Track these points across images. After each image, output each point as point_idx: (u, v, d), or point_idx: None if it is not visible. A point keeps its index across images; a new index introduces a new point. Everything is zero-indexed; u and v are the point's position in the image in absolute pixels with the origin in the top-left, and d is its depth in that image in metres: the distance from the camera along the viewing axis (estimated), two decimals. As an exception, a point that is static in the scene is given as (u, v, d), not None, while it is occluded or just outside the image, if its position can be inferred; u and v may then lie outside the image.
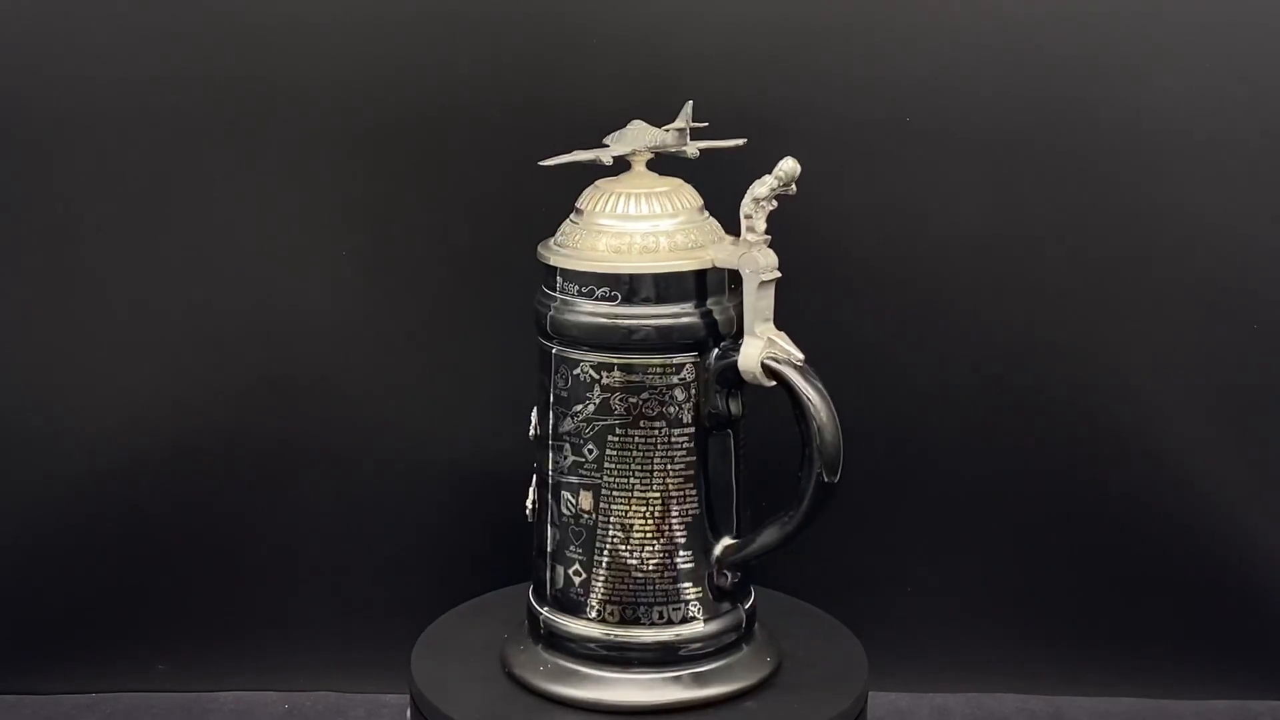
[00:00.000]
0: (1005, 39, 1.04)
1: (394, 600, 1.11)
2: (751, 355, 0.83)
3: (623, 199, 0.86)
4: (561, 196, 0.90)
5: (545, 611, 0.88)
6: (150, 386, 1.09)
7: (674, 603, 0.86)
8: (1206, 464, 1.09)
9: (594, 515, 0.86)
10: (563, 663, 0.88)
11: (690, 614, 0.87)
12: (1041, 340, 1.08)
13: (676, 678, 0.87)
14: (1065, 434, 1.09)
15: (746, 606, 0.89)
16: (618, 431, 0.85)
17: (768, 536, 0.86)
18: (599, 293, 0.84)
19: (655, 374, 0.84)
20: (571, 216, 0.88)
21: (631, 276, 0.84)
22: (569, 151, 0.88)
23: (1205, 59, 1.04)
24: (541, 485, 0.88)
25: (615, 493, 0.85)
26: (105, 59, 1.05)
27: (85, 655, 1.13)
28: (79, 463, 1.10)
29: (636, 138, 0.88)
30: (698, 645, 0.87)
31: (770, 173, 0.83)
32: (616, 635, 0.86)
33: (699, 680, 0.87)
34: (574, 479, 0.86)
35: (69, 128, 1.06)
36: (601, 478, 0.85)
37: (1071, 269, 1.07)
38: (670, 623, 0.87)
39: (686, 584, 0.87)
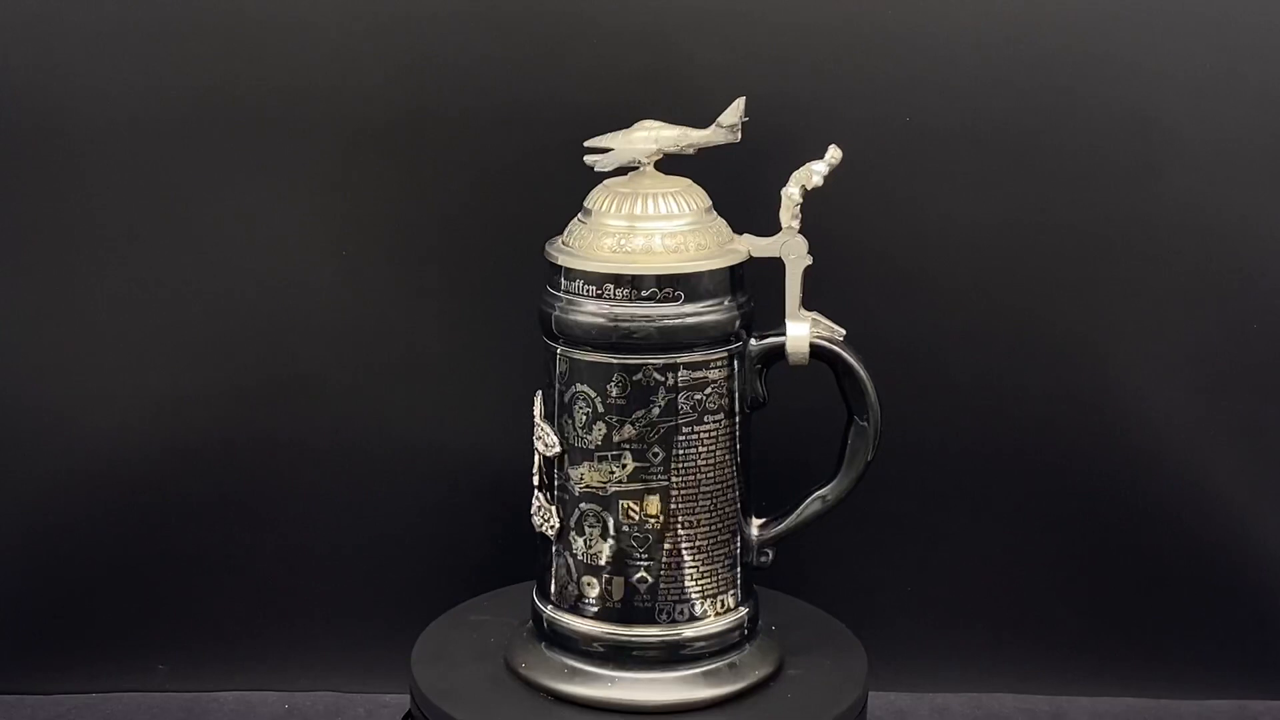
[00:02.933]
0: (1005, 38, 1.04)
1: (394, 600, 1.11)
2: (800, 336, 0.86)
3: (660, 199, 0.86)
4: (562, 196, 0.90)
5: (601, 628, 0.87)
6: (150, 386, 1.09)
7: (728, 592, 0.87)
8: (1208, 464, 1.09)
9: (661, 518, 0.85)
10: (617, 673, 0.86)
11: (739, 600, 0.88)
12: (1042, 339, 1.08)
13: (689, 675, 0.87)
14: (1066, 433, 1.09)
15: (748, 606, 0.89)
16: (684, 430, 0.84)
17: (811, 509, 0.88)
18: (660, 294, 0.84)
19: (716, 367, 0.85)
20: (580, 217, 0.88)
21: (693, 275, 0.84)
22: (608, 152, 0.88)
23: (1206, 57, 1.04)
24: (581, 500, 0.86)
25: (684, 491, 0.85)
26: (108, 62, 1.04)
27: (85, 655, 1.12)
28: (79, 462, 1.09)
29: (663, 137, 0.88)
30: (736, 633, 0.88)
31: (821, 159, 0.86)
32: (677, 634, 0.86)
33: (703, 679, 0.87)
34: (636, 486, 0.85)
35: (70, 129, 1.05)
36: (669, 479, 0.84)
37: (1071, 268, 1.07)
38: (728, 610, 0.87)
39: (736, 571, 0.87)
